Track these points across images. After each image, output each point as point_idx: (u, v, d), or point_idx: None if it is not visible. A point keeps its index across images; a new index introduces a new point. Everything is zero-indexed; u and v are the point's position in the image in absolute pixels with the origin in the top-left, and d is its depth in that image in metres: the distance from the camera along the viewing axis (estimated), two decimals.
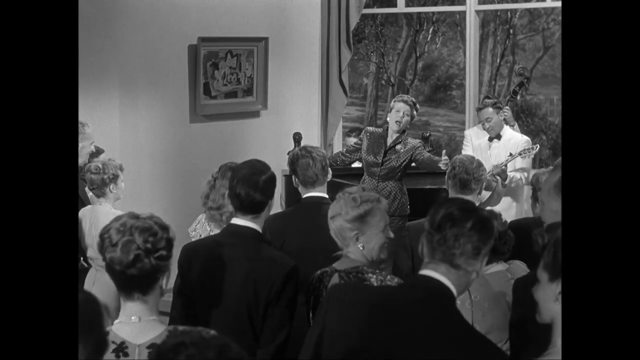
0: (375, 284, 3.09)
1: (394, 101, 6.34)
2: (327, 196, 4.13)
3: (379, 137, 6.32)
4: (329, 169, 4.23)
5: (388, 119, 6.31)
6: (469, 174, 4.38)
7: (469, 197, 4.33)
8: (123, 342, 2.47)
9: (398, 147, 6.23)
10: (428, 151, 8.14)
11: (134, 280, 2.49)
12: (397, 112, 6.21)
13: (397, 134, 6.24)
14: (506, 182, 6.44)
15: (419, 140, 6.44)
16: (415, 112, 6.27)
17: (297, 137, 7.77)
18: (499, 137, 6.75)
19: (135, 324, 2.49)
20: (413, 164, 6.34)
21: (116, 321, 2.53)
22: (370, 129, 6.50)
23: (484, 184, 4.56)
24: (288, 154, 4.32)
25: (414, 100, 6.33)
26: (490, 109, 6.69)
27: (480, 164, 4.51)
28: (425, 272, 2.48)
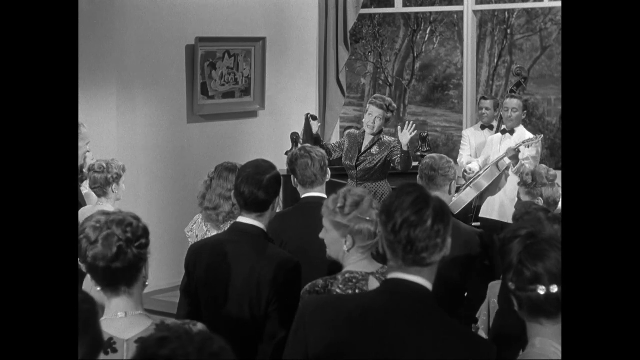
0: None
1: (369, 103, 6.40)
2: (326, 196, 4.10)
3: (355, 141, 6.40)
4: (328, 169, 4.24)
5: (364, 120, 6.38)
6: (435, 170, 4.21)
7: (437, 194, 4.21)
8: (111, 338, 2.47)
9: (374, 149, 6.29)
10: (425, 151, 8.17)
11: (119, 274, 2.49)
12: (370, 115, 6.28)
13: (372, 138, 6.31)
14: (517, 167, 6.39)
15: (394, 140, 6.36)
16: (390, 114, 6.28)
17: (295, 137, 7.77)
18: (512, 132, 6.74)
19: (122, 320, 2.50)
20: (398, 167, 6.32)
21: (102, 319, 2.53)
22: (351, 131, 6.60)
23: (455, 182, 4.40)
24: (286, 154, 4.31)
25: (387, 102, 6.31)
26: (520, 102, 6.71)
27: (449, 161, 4.33)
28: (396, 275, 2.41)
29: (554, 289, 2.19)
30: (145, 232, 2.55)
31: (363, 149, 6.33)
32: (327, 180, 4.22)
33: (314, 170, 4.11)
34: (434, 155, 4.40)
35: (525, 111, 6.80)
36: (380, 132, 6.30)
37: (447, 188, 4.26)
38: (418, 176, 4.37)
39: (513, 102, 6.72)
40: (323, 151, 4.33)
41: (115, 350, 2.46)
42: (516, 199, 6.70)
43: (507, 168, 6.57)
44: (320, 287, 3.11)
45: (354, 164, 6.31)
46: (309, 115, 7.51)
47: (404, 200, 2.39)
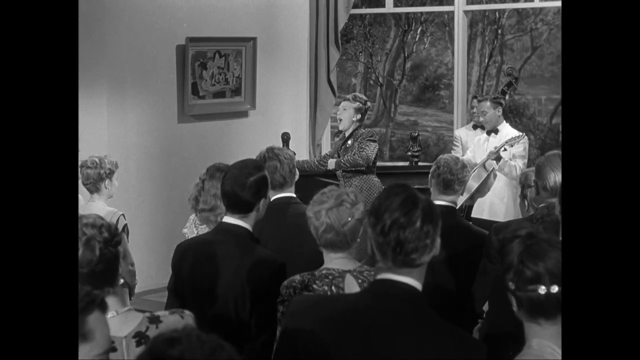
0: None
1: None
2: (295, 195, 4.14)
3: (337, 146, 6.75)
4: (297, 170, 4.23)
5: None
6: (453, 175, 4.23)
7: (451, 198, 4.27)
8: None
9: (349, 142, 6.57)
10: (416, 150, 8.19)
11: (102, 277, 2.49)
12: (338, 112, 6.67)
13: (350, 132, 6.59)
14: (499, 165, 6.40)
15: (368, 130, 6.73)
16: (358, 104, 6.54)
17: (286, 137, 7.76)
18: (496, 131, 6.77)
19: (114, 319, 2.49)
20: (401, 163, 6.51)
21: None
22: (335, 140, 6.97)
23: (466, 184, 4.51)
24: (256, 157, 4.26)
25: (356, 95, 6.66)
26: (488, 103, 6.77)
27: (464, 165, 4.39)
28: (386, 276, 2.40)
29: (554, 289, 2.18)
30: (117, 230, 2.57)
31: (340, 145, 6.63)
32: (296, 180, 4.22)
33: (283, 173, 4.10)
34: (447, 158, 4.38)
35: (500, 107, 6.81)
36: (356, 128, 6.56)
37: (460, 191, 4.37)
38: (430, 176, 4.36)
39: (484, 105, 6.81)
40: (291, 152, 4.36)
41: (114, 349, 2.46)
42: (505, 197, 6.76)
43: (494, 168, 6.59)
44: (297, 283, 3.14)
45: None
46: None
47: (392, 202, 2.38)
